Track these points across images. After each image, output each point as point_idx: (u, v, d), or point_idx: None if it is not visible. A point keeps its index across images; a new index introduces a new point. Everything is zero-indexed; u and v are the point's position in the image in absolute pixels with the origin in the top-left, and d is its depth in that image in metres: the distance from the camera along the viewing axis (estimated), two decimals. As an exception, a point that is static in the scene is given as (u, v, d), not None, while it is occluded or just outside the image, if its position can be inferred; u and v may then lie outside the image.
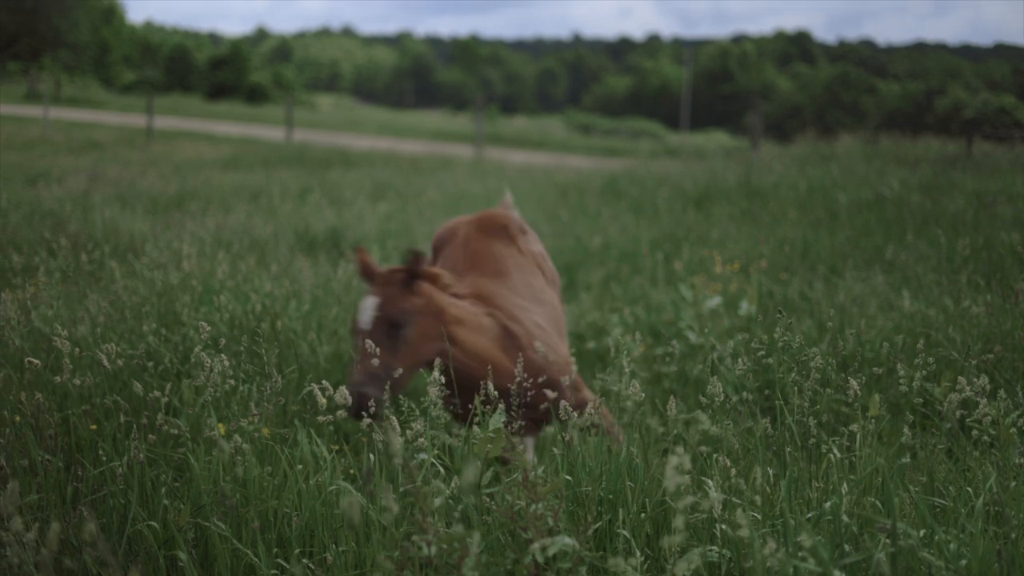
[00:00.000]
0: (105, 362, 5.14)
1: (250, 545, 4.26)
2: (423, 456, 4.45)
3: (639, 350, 6.99)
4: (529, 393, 5.06)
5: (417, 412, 4.64)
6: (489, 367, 4.94)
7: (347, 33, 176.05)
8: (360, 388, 4.83)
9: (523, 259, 6.00)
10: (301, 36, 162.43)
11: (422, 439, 4.45)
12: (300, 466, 4.63)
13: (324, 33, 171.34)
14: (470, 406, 5.13)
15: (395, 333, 5.07)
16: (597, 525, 4.26)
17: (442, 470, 4.59)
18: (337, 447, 5.23)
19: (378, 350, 4.72)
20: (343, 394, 4.50)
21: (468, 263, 5.91)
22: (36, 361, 5.23)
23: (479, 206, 16.65)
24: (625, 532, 4.24)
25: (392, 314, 5.09)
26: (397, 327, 5.08)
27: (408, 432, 4.44)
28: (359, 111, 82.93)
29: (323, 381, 4.89)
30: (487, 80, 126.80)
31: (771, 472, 4.59)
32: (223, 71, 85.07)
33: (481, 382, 4.83)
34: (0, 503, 3.42)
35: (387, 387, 4.70)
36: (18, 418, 5.11)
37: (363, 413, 4.77)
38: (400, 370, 4.91)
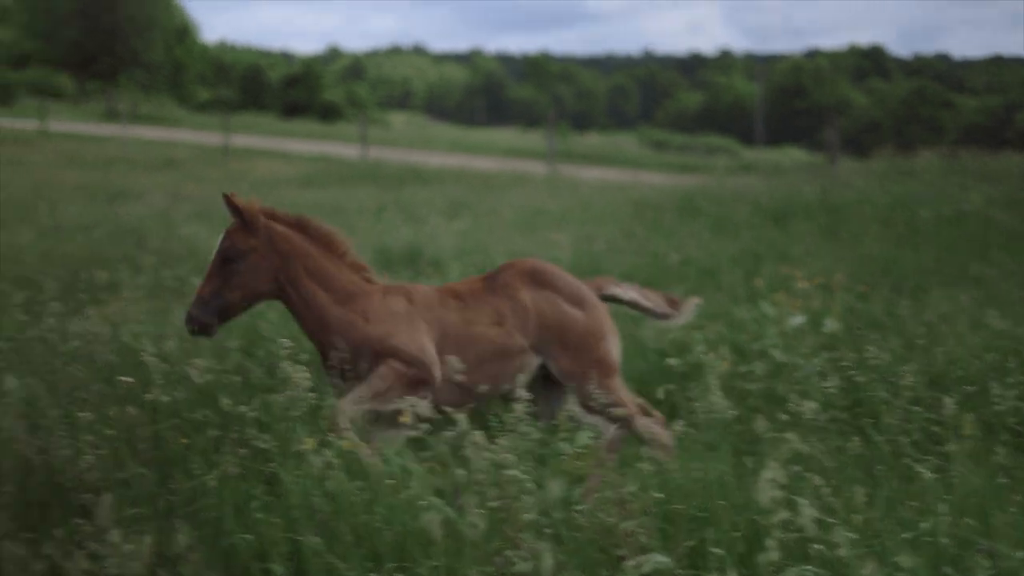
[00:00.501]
0: (195, 377, 5.19)
1: (343, 558, 4.27)
2: (512, 472, 4.44)
3: (723, 367, 6.93)
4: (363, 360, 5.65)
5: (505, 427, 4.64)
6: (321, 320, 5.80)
7: (418, 51, 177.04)
8: (191, 311, 5.74)
9: (489, 300, 6.11)
10: (373, 54, 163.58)
11: (510, 455, 4.45)
12: (390, 481, 4.64)
13: (395, 51, 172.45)
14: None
15: (229, 267, 5.78)
16: (690, 543, 4.22)
17: (531, 485, 4.58)
18: (426, 462, 5.22)
19: (213, 279, 5.74)
20: (427, 408, 4.52)
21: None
22: (129, 380, 5.30)
23: (553, 223, 16.64)
24: (718, 550, 4.20)
25: (227, 249, 5.80)
26: (230, 261, 5.78)
27: (495, 446, 4.44)
28: (431, 128, 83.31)
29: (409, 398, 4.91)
30: (558, 97, 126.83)
31: (864, 491, 4.52)
32: (296, 89, 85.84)
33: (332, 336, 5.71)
34: (98, 516, 3.47)
35: (215, 312, 5.69)
36: (113, 432, 5.18)
37: (191, 331, 5.71)
38: (227, 299, 5.75)
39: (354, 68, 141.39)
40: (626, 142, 63.56)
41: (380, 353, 5.68)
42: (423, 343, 5.69)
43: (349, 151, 40.52)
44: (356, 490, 4.58)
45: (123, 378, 5.31)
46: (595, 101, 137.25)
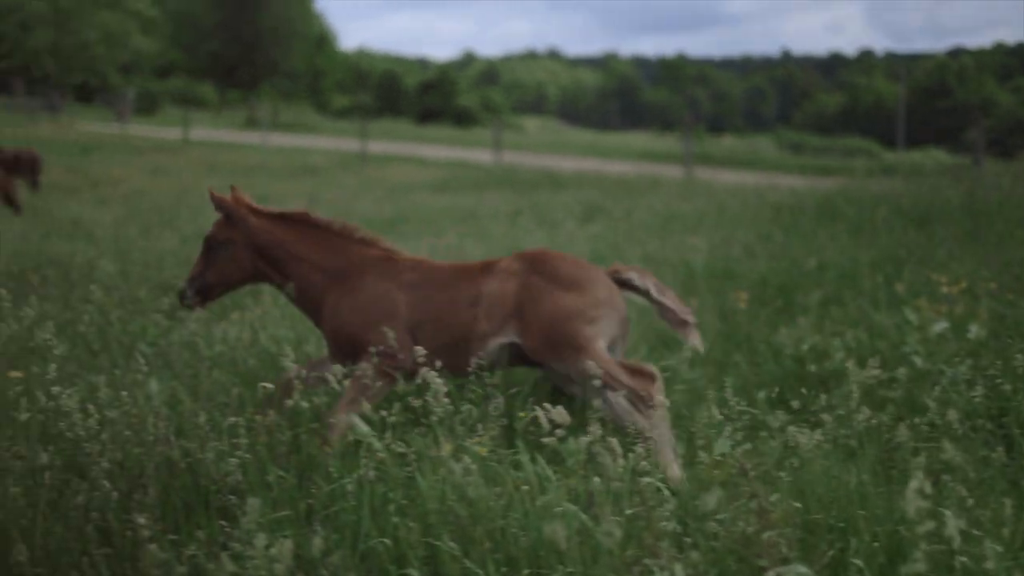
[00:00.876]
0: (333, 383, 5.26)
1: (480, 564, 4.28)
2: (648, 479, 4.41)
3: (865, 374, 6.80)
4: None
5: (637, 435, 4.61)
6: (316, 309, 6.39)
7: (553, 55, 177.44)
8: (181, 287, 6.56)
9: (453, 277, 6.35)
10: (507, 59, 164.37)
11: (645, 462, 4.42)
12: (526, 487, 4.64)
13: (530, 56, 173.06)
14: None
15: (211, 254, 6.49)
16: (831, 553, 4.15)
17: (666, 493, 4.55)
18: (560, 469, 5.21)
19: (199, 263, 6.52)
20: (563, 415, 4.53)
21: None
22: (269, 386, 5.39)
23: (688, 227, 16.51)
24: (858, 561, 4.12)
25: (210, 238, 6.51)
26: (213, 249, 6.49)
27: (630, 455, 4.41)
28: (565, 133, 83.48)
29: (545, 404, 4.91)
30: (694, 99, 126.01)
31: (1011, 503, 4.39)
32: (431, 95, 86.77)
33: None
34: (244, 519, 3.53)
35: (196, 291, 6.47)
36: (254, 436, 5.27)
37: (181, 304, 6.57)
38: (207, 281, 6.48)
39: (489, 73, 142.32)
40: (763, 145, 62.87)
41: (354, 344, 6.09)
42: (391, 331, 5.81)
43: (483, 156, 40.79)
44: (492, 495, 4.60)
45: (264, 384, 5.41)
46: (731, 103, 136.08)
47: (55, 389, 5.63)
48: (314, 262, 6.42)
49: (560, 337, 5.95)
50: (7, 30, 73.63)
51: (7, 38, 74.25)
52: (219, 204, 6.45)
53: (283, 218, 6.55)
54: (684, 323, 6.26)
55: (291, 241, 6.46)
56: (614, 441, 4.17)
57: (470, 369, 5.82)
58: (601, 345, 5.96)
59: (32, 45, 73.56)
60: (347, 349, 6.16)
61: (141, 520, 4.40)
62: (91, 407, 5.54)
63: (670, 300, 6.29)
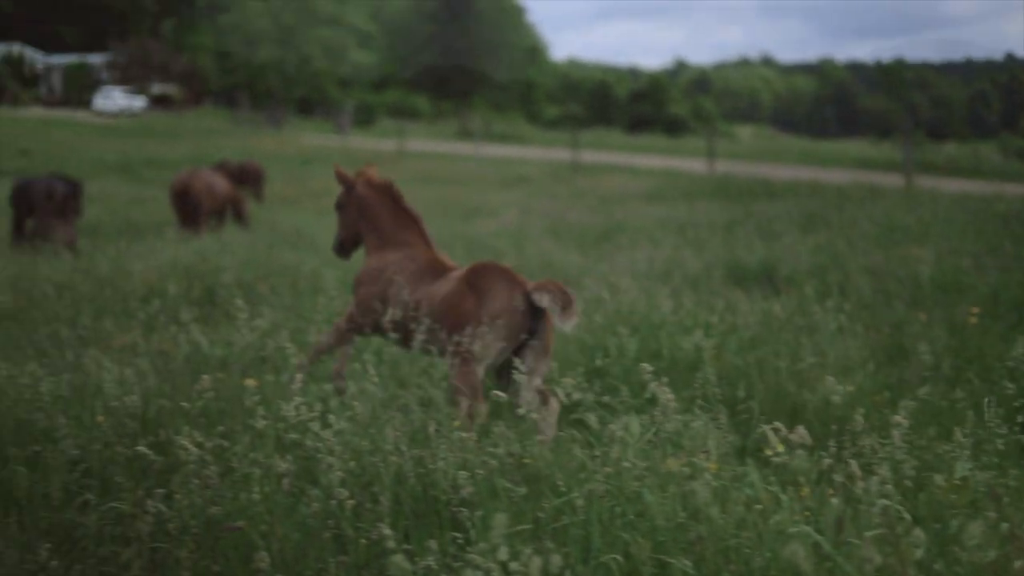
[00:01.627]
0: (561, 396, 5.27)
1: (713, 584, 4.23)
2: (884, 502, 4.28)
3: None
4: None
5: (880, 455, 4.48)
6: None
7: (766, 62, 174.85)
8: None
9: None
10: (720, 67, 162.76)
11: (888, 485, 4.29)
12: (758, 505, 4.57)
13: (743, 63, 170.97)
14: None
15: (339, 216, 8.03)
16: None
17: (907, 516, 4.41)
18: (793, 488, 5.10)
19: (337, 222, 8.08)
20: (802, 435, 4.43)
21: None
22: (503, 395, 5.42)
23: (913, 238, 16.04)
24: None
25: (337, 203, 8.08)
26: (339, 212, 8.04)
27: (873, 478, 4.29)
28: (779, 140, 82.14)
29: (774, 423, 4.82)
30: (913, 105, 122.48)
31: None
32: (643, 104, 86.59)
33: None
34: (480, 532, 3.55)
35: (336, 245, 8.09)
36: (482, 448, 5.32)
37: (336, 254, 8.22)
38: (339, 237, 8.05)
39: (700, 81, 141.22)
40: (987, 151, 60.66)
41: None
42: (372, 300, 7.36)
43: (695, 165, 40.46)
44: (723, 514, 4.53)
45: (497, 392, 5.46)
46: (953, 109, 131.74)
47: (295, 400, 5.78)
48: (378, 228, 7.74)
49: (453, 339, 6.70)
50: (233, 47, 76.58)
51: (233, 54, 77.22)
52: (337, 175, 7.96)
53: (382, 190, 7.82)
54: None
55: (375, 207, 7.77)
56: (853, 463, 4.06)
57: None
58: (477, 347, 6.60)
59: (257, 61, 76.32)
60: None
61: (385, 530, 4.47)
62: (332, 417, 5.68)
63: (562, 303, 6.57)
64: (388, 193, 7.80)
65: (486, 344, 6.56)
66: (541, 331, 6.65)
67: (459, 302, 6.82)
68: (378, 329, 7.38)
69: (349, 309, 7.57)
